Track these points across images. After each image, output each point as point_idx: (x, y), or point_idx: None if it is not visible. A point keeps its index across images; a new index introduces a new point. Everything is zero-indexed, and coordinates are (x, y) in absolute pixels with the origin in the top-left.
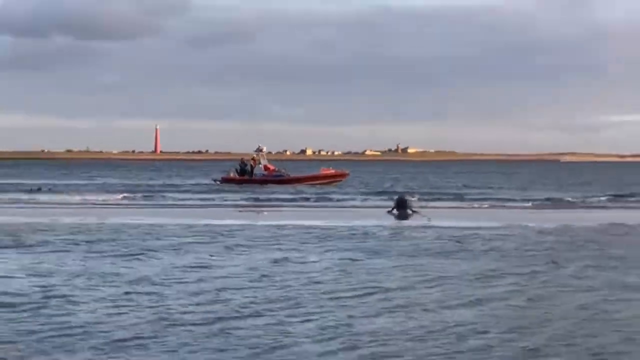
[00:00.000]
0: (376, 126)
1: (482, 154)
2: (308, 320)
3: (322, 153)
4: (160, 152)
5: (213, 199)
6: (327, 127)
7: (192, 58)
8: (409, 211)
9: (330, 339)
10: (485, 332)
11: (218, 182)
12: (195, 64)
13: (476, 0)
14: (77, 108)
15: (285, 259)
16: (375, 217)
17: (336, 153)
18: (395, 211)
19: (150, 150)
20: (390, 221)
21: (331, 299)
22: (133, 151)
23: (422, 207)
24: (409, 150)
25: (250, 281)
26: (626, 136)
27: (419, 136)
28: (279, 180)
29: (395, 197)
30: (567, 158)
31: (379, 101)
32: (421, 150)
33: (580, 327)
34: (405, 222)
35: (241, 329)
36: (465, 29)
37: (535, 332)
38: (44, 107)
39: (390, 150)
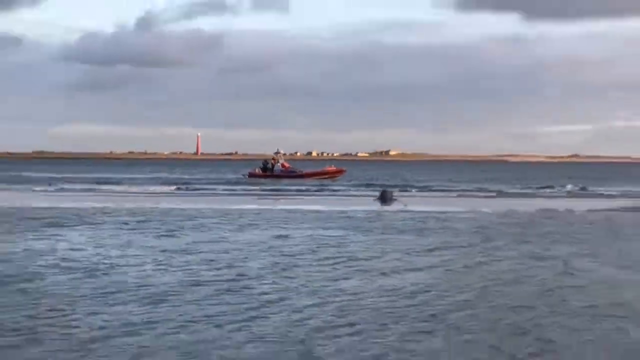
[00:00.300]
0: (365, 134)
1: (446, 155)
2: (297, 281)
3: (324, 154)
4: (201, 153)
5: (239, 190)
6: (328, 134)
7: (224, 82)
8: (391, 199)
9: (312, 294)
10: (427, 291)
11: (245, 177)
12: (226, 87)
13: (445, 39)
14: (137, 120)
15: (287, 236)
16: (364, 203)
17: (335, 154)
18: (379, 199)
19: (193, 152)
20: (375, 207)
21: (317, 265)
22: (180, 152)
23: (400, 195)
24: (391, 153)
25: (258, 251)
26: (556, 142)
27: (399, 141)
28: (293, 175)
29: (380, 188)
30: (511, 159)
31: (368, 115)
32: (401, 152)
33: (499, 286)
34: (387, 207)
35: (248, 288)
36: (436, 62)
37: (465, 290)
38: (112, 119)
39: (376, 152)
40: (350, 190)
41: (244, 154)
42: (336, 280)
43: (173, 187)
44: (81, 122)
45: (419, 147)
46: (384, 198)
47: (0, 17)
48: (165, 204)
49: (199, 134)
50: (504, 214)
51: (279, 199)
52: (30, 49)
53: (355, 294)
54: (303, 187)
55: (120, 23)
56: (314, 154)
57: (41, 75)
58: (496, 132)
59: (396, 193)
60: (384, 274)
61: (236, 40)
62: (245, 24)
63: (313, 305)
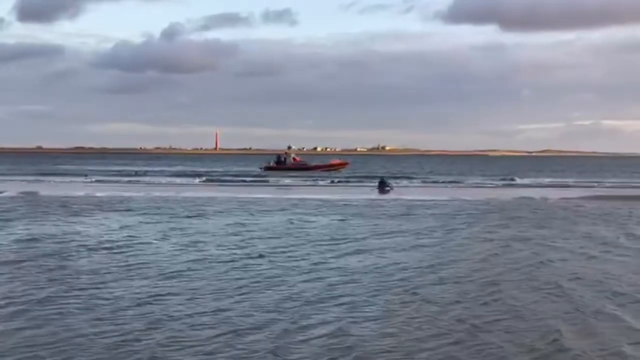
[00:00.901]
0: (364, 131)
1: (434, 151)
2: (297, 260)
3: (328, 149)
4: (219, 149)
5: (256, 181)
6: (331, 132)
7: (239, 85)
8: (387, 188)
9: (310, 271)
10: (410, 269)
11: (262, 169)
12: (241, 90)
13: (432, 47)
14: (162, 119)
15: (290, 220)
16: (363, 192)
17: (337, 149)
18: (377, 188)
19: (212, 147)
20: (373, 195)
21: (316, 245)
22: (201, 148)
23: (396, 185)
24: (387, 148)
25: (266, 235)
26: (532, 139)
27: (393, 138)
28: (303, 167)
29: (378, 178)
30: (491, 154)
31: (366, 114)
32: (395, 147)
33: (477, 266)
34: (384, 196)
35: (255, 265)
36: (425, 68)
37: (444, 269)
38: (140, 118)
39: (374, 147)
40: (350, 180)
41: (257, 149)
42: (332, 258)
43: (206, 179)
44: (114, 121)
45: (411, 143)
46: (382, 187)
47: (44, 28)
48: (190, 192)
49: (217, 131)
50: (489, 200)
51: (290, 188)
52: (70, 56)
53: (347, 271)
54: (312, 179)
55: (147, 33)
56: (319, 149)
57: (79, 80)
58: (478, 130)
59: (392, 183)
60: (372, 254)
61: (250, 48)
62: (257, 34)
63: (309, 281)
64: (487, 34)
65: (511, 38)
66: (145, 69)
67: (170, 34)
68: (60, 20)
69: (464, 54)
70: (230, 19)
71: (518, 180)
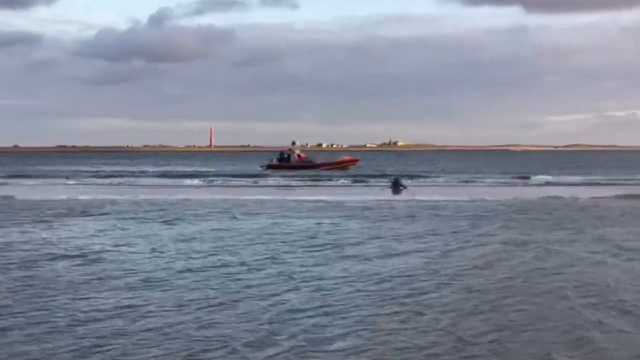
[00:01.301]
0: (373, 125)
1: (451, 146)
2: (280, 266)
3: (334, 146)
4: (214, 146)
5: (261, 183)
6: (337, 126)
7: (236, 75)
8: (401, 188)
9: (289, 279)
10: (395, 277)
11: (264, 167)
12: (237, 80)
13: (448, 32)
14: (152, 113)
15: (277, 223)
16: (375, 193)
17: (344, 146)
18: (390, 188)
19: (207, 145)
20: (385, 195)
21: (305, 251)
22: (193, 145)
23: (410, 185)
24: (399, 144)
25: (246, 241)
26: (559, 131)
27: (405, 133)
28: (309, 165)
29: (391, 177)
30: (513, 149)
31: (376, 106)
32: (408, 142)
33: (472, 270)
34: (396, 196)
35: (233, 274)
36: (440, 54)
37: (438, 275)
38: (128, 113)
39: (384, 143)
40: (362, 179)
41: (256, 147)
42: (318, 265)
43: (196, 181)
44: (99, 116)
45: (425, 138)
46: (395, 187)
47: (17, 14)
48: (188, 195)
49: (211, 127)
50: (512, 201)
51: (294, 189)
52: (48, 45)
53: (334, 279)
54: (318, 177)
55: (133, 19)
56: (324, 145)
57: (59, 71)
58: (498, 122)
59: (406, 182)
60: (366, 259)
61: (246, 34)
62: (254, 18)
63: (293, 289)
64: (509, 16)
65: (535, 20)
66: (132, 58)
67: (158, 19)
68: (35, 5)
69: (483, 39)
70: (225, 3)
71: (541, 178)
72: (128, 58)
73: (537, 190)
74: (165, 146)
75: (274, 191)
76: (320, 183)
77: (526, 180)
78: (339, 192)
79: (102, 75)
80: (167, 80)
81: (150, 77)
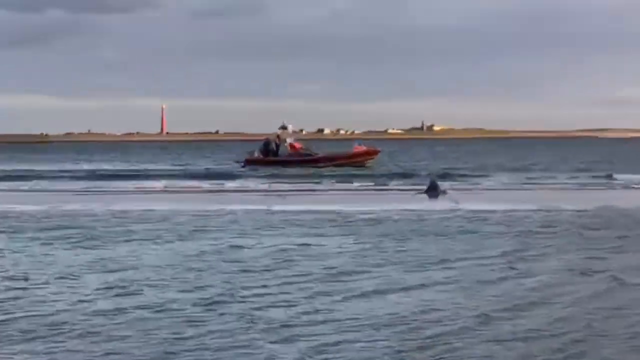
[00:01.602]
0: (397, 102)
1: (510, 131)
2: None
3: (341, 132)
4: (167, 133)
5: (220, 184)
6: (345, 105)
7: (198, 32)
8: (439, 193)
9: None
10: (439, 316)
11: (241, 164)
12: (201, 39)
13: None
14: (77, 87)
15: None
16: (402, 200)
17: (356, 132)
18: (426, 193)
19: (156, 132)
20: (416, 204)
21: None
22: (137, 132)
23: (452, 188)
24: (435, 128)
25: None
26: None
27: (443, 112)
28: (305, 159)
29: (428, 180)
30: (603, 134)
31: (400, 75)
32: (447, 127)
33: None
34: (434, 205)
35: (173, 317)
36: None
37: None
38: (41, 87)
39: (414, 128)
40: (383, 180)
41: (227, 133)
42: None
43: (138, 184)
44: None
45: (471, 120)
46: (432, 192)
47: None
48: (128, 204)
49: (163, 106)
50: (597, 210)
51: (283, 196)
52: None
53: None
54: (319, 177)
55: None
56: (327, 131)
57: None
58: (580, 98)
59: (445, 186)
60: (362, 295)
61: None
62: None
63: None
64: None
65: None
66: (48, 8)
67: None
68: None
69: None
70: None
71: (627, 178)
72: (42, 7)
73: (625, 194)
74: (96, 134)
75: (253, 199)
76: (322, 186)
77: (610, 181)
78: (350, 200)
79: (6, 32)
80: (99, 39)
81: (74, 34)
